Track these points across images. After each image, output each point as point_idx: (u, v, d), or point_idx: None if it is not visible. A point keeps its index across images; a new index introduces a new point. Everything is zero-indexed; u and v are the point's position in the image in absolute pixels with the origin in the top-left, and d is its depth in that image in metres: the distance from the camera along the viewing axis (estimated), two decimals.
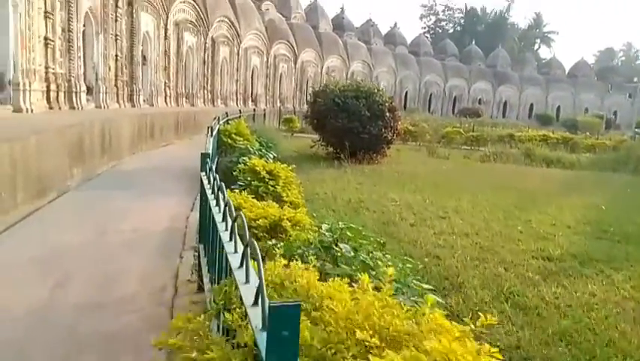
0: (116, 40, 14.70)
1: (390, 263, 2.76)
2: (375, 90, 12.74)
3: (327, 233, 2.82)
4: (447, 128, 19.27)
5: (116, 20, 14.53)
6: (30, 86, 9.57)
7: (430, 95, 52.47)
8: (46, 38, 10.73)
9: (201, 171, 3.69)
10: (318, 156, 12.84)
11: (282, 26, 33.55)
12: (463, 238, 5.53)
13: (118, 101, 14.97)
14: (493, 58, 58.27)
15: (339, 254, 2.70)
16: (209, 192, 3.08)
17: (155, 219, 5.98)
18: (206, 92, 23.67)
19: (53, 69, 11.10)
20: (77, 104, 11.95)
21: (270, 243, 3.12)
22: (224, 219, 2.19)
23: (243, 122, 9.44)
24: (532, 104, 56.55)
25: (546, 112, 53.49)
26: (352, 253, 2.69)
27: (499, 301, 3.70)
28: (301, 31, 36.29)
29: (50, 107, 10.87)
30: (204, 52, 23.01)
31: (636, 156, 13.57)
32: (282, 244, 3.02)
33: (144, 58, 17.32)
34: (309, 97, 14.83)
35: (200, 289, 3.79)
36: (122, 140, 11.24)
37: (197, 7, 21.58)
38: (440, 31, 75.42)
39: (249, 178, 5.67)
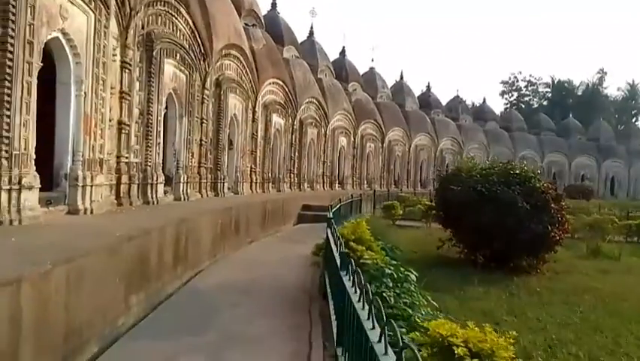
0: (202, 123, 13.09)
1: None
2: (532, 174, 9.65)
3: None
4: (593, 215, 15.42)
5: (202, 102, 12.99)
6: (93, 180, 7.64)
7: None
8: (120, 122, 9.03)
9: None
10: (449, 259, 9.78)
11: (368, 106, 31.98)
12: None
13: (200, 191, 13.07)
14: (593, 131, 53.61)
15: None
16: None
17: None
18: (292, 175, 21.77)
19: (127, 158, 9.30)
20: (152, 197, 10.00)
21: None
22: None
23: (364, 224, 6.74)
24: None
25: None
26: None
27: None
28: (388, 110, 34.54)
29: (119, 204, 8.92)
30: (292, 134, 21.39)
31: None
32: None
33: (230, 142, 15.69)
34: (430, 179, 11.87)
35: None
36: (201, 242, 8.96)
37: (286, 88, 20.25)
38: (524, 106, 71.71)
39: None
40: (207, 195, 13.44)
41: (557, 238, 9.09)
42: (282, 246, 11.72)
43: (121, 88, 9.05)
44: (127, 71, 9.16)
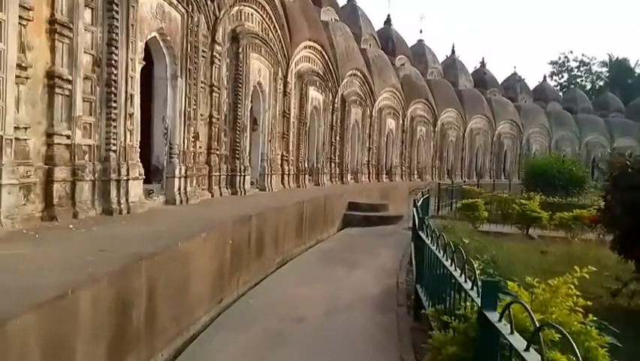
0: (212, 92, 9.14)
1: None
2: None
3: None
4: None
5: (211, 62, 9.03)
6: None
7: (594, 158, 42.43)
8: (50, 75, 5.14)
9: None
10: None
11: (419, 83, 27.40)
12: None
13: (210, 188, 9.17)
14: None
15: None
16: None
17: None
18: (333, 165, 17.66)
19: (68, 137, 5.43)
20: (120, 202, 6.11)
21: None
22: None
23: (570, 290, 2.66)
24: None
25: None
26: None
27: None
28: (440, 89, 29.83)
29: (49, 217, 5.07)
30: (332, 113, 17.23)
31: None
32: None
33: (255, 121, 11.74)
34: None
35: None
36: (191, 286, 5.02)
37: (325, 55, 16.07)
38: (575, 87, 65.09)
39: None
40: (221, 194, 9.52)
41: None
42: (330, 273, 7.68)
43: (52, 15, 5.16)
44: None
